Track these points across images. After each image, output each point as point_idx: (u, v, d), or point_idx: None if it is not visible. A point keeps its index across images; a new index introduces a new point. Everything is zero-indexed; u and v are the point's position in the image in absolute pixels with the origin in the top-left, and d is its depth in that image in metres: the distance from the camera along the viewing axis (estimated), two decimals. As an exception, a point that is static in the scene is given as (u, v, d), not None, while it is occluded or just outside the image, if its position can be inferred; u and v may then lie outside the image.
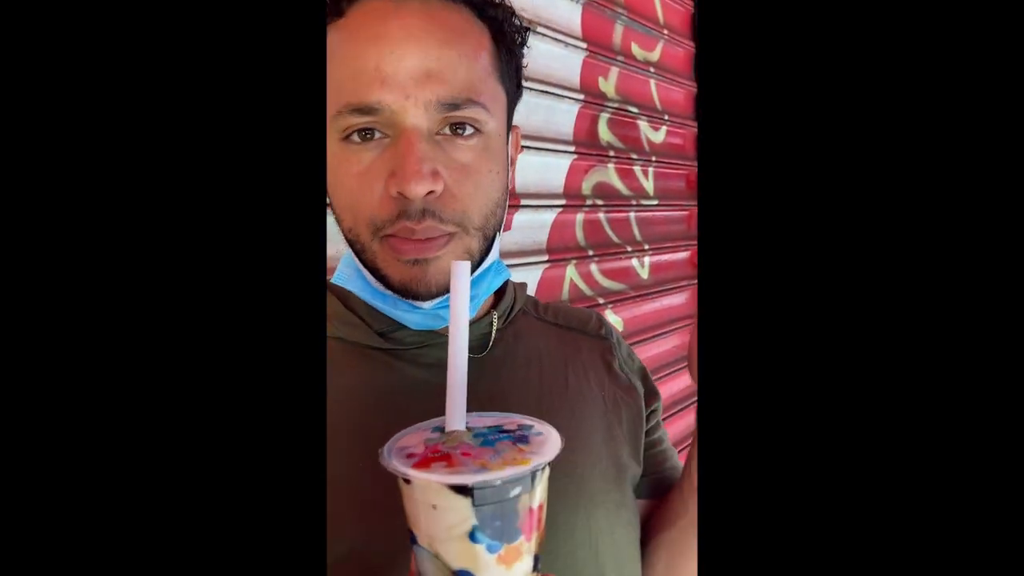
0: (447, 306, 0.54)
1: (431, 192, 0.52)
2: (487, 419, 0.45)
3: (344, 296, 0.62)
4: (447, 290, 0.54)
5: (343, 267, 0.61)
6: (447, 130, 0.54)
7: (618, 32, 1.90)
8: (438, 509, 0.38)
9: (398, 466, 0.39)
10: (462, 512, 0.38)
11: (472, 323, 0.63)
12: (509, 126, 0.63)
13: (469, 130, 0.55)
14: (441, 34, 0.53)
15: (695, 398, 2.24)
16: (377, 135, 0.53)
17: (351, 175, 0.54)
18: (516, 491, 0.38)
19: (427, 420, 0.45)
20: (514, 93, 0.62)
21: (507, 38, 0.59)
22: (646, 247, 2.00)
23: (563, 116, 1.69)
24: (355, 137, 0.53)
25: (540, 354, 0.67)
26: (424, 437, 0.43)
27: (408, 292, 0.56)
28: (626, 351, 0.76)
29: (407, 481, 0.39)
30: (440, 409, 0.51)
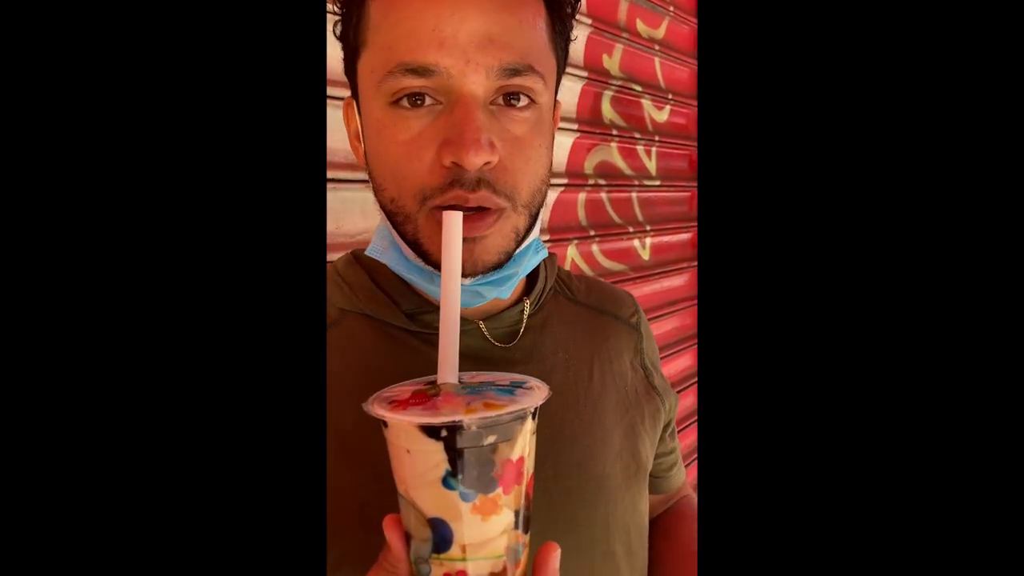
0: (488, 282, 0.54)
1: (487, 163, 0.50)
2: (482, 376, 0.45)
3: (373, 270, 0.60)
4: (492, 268, 0.53)
5: (377, 239, 0.58)
6: (501, 100, 0.52)
7: (623, 8, 1.87)
8: (412, 453, 0.37)
9: (376, 409, 0.38)
10: (435, 456, 0.37)
11: (504, 311, 0.62)
12: (554, 101, 0.61)
13: (524, 100, 0.52)
14: None
15: (697, 417, 2.24)
16: (429, 101, 0.50)
17: (398, 142, 0.51)
18: (491, 439, 0.37)
19: (422, 377, 0.45)
20: (562, 66, 0.60)
21: (561, 7, 0.57)
22: (648, 228, 1.98)
23: (566, 93, 1.66)
24: (404, 102, 0.50)
25: (567, 344, 0.65)
26: (413, 388, 0.42)
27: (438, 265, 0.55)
28: (652, 345, 0.74)
29: (385, 425, 0.39)
30: None
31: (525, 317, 0.63)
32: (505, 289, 0.58)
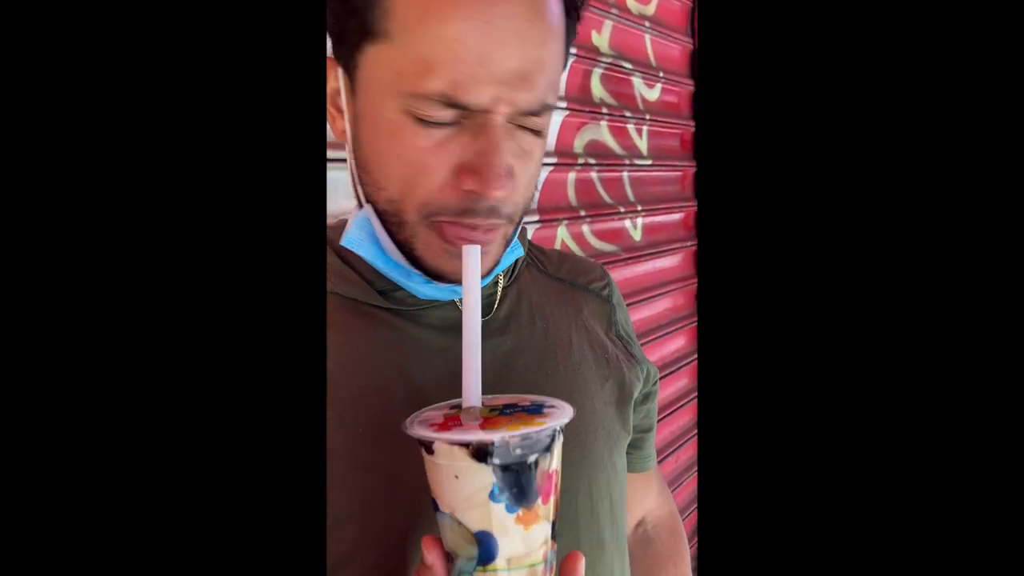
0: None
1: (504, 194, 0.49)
2: (503, 398, 0.46)
3: (345, 255, 0.58)
4: (484, 276, 0.53)
5: (356, 230, 0.55)
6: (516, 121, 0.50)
7: (613, -16, 1.84)
8: (460, 477, 0.39)
9: (420, 432, 0.40)
10: (483, 477, 0.39)
11: None
12: None
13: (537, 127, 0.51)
14: (542, 30, 0.47)
15: (689, 397, 2.23)
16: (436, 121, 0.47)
17: (413, 148, 0.47)
18: (533, 455, 0.40)
19: (443, 402, 0.47)
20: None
21: (574, 29, 0.54)
22: (639, 208, 1.97)
23: (555, 71, 1.63)
24: (425, 118, 0.47)
25: (544, 314, 0.64)
26: (443, 412, 0.44)
27: (443, 278, 0.53)
28: (624, 315, 0.74)
29: (429, 452, 0.40)
30: (444, 368, 0.52)
31: (499, 289, 0.63)
32: (487, 286, 0.59)
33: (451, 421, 0.41)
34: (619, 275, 1.89)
